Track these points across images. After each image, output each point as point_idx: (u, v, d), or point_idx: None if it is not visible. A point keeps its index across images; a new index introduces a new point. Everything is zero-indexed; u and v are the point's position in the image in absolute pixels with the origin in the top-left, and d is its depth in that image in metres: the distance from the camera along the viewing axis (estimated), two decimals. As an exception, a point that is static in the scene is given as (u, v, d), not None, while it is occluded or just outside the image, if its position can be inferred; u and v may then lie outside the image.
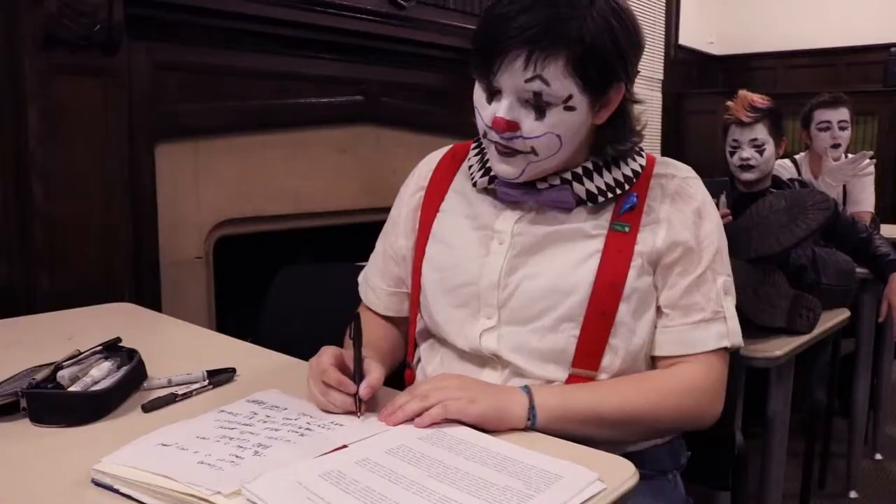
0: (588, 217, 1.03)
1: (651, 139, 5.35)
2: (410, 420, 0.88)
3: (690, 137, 5.34)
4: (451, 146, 1.19)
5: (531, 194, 1.04)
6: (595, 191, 1.02)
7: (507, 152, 0.99)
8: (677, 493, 1.12)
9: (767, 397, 1.52)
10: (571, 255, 1.01)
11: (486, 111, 0.98)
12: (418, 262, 1.12)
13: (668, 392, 0.99)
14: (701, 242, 1.02)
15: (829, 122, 2.84)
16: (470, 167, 1.11)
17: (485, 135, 1.02)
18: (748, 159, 2.13)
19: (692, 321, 1.02)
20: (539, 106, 0.95)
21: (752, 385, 1.49)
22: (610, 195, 1.03)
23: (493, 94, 0.98)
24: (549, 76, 0.93)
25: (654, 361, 1.05)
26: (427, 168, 1.18)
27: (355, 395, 0.91)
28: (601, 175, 1.03)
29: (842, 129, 2.86)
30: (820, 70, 5.58)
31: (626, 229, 1.01)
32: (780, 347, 1.40)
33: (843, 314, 1.69)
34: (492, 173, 1.05)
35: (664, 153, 5.17)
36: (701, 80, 5.82)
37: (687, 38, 5.63)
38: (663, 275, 1.02)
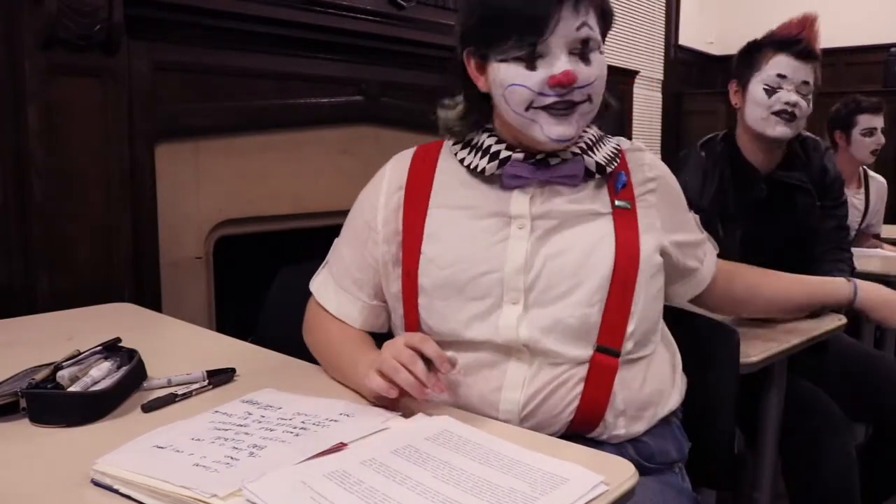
0: (593, 197, 1.07)
1: (651, 139, 5.35)
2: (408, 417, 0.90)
3: (690, 137, 5.34)
4: (413, 148, 1.19)
5: (543, 171, 1.05)
6: (603, 161, 1.08)
7: (564, 110, 1.00)
8: (685, 485, 1.12)
9: (761, 397, 1.51)
10: (590, 231, 1.05)
11: (534, 78, 0.99)
12: (411, 263, 1.07)
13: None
14: (681, 193, 1.20)
15: (874, 128, 2.73)
16: (462, 160, 1.10)
17: (529, 106, 1.00)
18: (795, 105, 1.56)
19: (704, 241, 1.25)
20: (584, 54, 1.00)
21: (753, 384, 1.48)
22: (609, 169, 1.08)
23: (533, 62, 0.99)
24: (590, 21, 1.00)
25: (712, 288, 1.25)
26: (401, 168, 1.15)
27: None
28: (599, 149, 1.09)
29: (882, 133, 2.76)
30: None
31: (628, 206, 1.08)
32: (773, 346, 1.38)
33: (839, 320, 1.62)
34: (501, 157, 1.06)
35: (663, 153, 5.17)
36: (701, 80, 5.82)
37: (687, 38, 5.63)
38: (673, 223, 1.14)
